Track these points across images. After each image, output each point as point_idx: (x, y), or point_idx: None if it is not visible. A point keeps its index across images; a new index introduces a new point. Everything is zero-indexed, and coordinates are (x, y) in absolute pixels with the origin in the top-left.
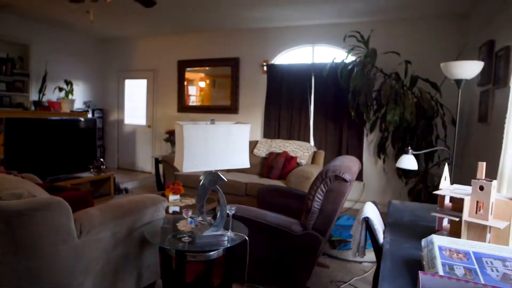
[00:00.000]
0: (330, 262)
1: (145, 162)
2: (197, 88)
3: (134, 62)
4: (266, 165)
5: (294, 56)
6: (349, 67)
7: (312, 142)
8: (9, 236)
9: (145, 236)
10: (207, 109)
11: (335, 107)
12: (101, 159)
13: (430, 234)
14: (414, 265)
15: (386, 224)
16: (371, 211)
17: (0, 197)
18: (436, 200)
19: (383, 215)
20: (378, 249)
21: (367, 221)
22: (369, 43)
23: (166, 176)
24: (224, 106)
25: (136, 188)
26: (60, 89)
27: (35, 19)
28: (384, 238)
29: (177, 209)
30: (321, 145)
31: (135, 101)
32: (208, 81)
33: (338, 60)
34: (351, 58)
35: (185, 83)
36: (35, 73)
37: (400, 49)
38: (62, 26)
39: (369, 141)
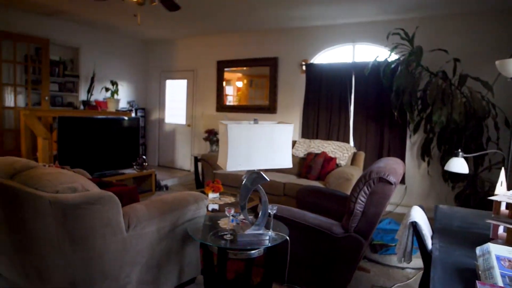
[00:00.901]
0: (371, 267)
1: (184, 160)
2: (234, 88)
3: (175, 62)
4: (305, 165)
5: (334, 55)
6: (393, 65)
7: (351, 143)
8: (65, 227)
9: (188, 233)
10: (244, 109)
11: (377, 107)
12: (144, 157)
13: (483, 242)
14: (468, 274)
15: (434, 229)
16: (418, 216)
17: (58, 191)
18: (488, 206)
19: (430, 220)
20: (426, 255)
21: (414, 226)
22: (414, 40)
23: (205, 174)
24: (261, 106)
25: (176, 185)
26: (107, 89)
27: (85, 23)
28: (432, 244)
29: (216, 207)
30: (361, 146)
31: (175, 101)
32: (245, 81)
33: (380, 58)
34: (394, 57)
35: (224, 83)
36: (84, 74)
37: (448, 46)
38: (109, 29)
39: (412, 142)
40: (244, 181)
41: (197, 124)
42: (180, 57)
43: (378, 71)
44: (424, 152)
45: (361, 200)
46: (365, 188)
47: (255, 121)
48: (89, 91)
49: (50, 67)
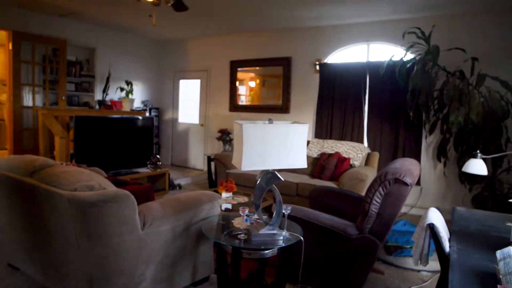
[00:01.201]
0: (386, 269)
1: (197, 160)
2: (246, 87)
3: (189, 62)
4: (318, 165)
5: (348, 54)
6: (408, 65)
7: (365, 143)
8: (83, 224)
9: (202, 231)
10: (257, 109)
11: (391, 107)
12: (157, 156)
13: (503, 246)
14: (487, 278)
15: (451, 232)
16: (435, 217)
17: (76, 189)
18: (508, 208)
19: (447, 222)
20: (444, 258)
21: (432, 228)
22: (430, 39)
23: (218, 173)
24: (274, 106)
25: (189, 184)
26: (121, 89)
27: (101, 24)
28: (450, 247)
29: (229, 206)
30: (375, 147)
31: (188, 101)
32: (258, 81)
33: (396, 58)
34: (410, 56)
35: (237, 83)
36: (100, 74)
37: (466, 45)
38: (124, 30)
39: (428, 143)
40: (258, 181)
41: (210, 123)
42: (194, 57)
43: (393, 70)
44: (440, 153)
45: (376, 201)
46: (380, 189)
47: (270, 120)
48: (105, 91)
49: (67, 68)
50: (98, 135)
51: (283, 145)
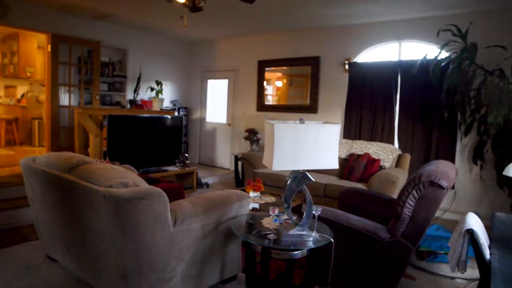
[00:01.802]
0: (417, 274)
1: (224, 159)
2: (273, 87)
3: (217, 62)
4: (347, 166)
5: (379, 53)
6: (443, 63)
7: (396, 145)
8: (117, 220)
9: (231, 230)
10: (285, 109)
11: (424, 107)
12: (186, 155)
13: None
14: None
15: (491, 238)
16: (474, 223)
17: (111, 185)
18: None
19: (486, 228)
20: (484, 266)
21: (471, 233)
22: (467, 36)
23: (245, 173)
24: (302, 106)
25: (216, 183)
26: (152, 89)
27: (133, 26)
28: (491, 254)
29: (256, 206)
30: (407, 148)
31: (216, 100)
32: (285, 81)
33: (429, 56)
34: (445, 54)
35: (264, 82)
36: (131, 74)
37: (506, 42)
38: (155, 31)
39: (463, 145)
40: (289, 181)
41: (237, 123)
42: (222, 57)
43: (426, 69)
44: (477, 155)
45: (409, 204)
46: (414, 192)
47: (301, 120)
48: (136, 90)
49: (101, 68)
50: (129, 134)
51: (314, 146)
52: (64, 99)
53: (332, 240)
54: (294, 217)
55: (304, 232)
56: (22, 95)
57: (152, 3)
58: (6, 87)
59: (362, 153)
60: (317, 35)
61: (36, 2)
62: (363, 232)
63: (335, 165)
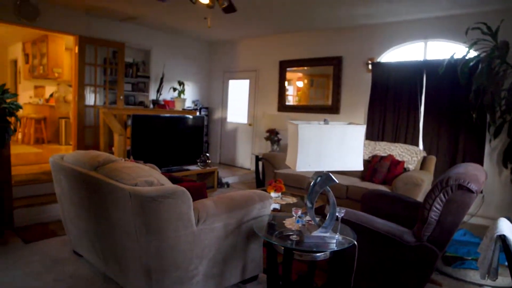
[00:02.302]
0: (443, 280)
1: (245, 159)
2: (294, 87)
3: (238, 63)
4: (369, 168)
5: (403, 53)
6: (472, 63)
7: (421, 146)
8: (142, 218)
9: (253, 230)
10: (306, 109)
11: (450, 108)
12: (207, 154)
13: None
14: None
15: None
16: (507, 228)
17: (136, 183)
18: None
19: None
20: None
21: (503, 239)
22: (498, 35)
23: (266, 173)
24: (323, 106)
25: (236, 183)
26: (174, 89)
27: (156, 27)
28: None
29: (277, 206)
30: (432, 150)
31: (237, 100)
32: (306, 81)
33: (457, 55)
34: (473, 53)
35: (286, 83)
36: (154, 75)
37: None
38: (178, 32)
39: (493, 147)
40: (312, 182)
41: (258, 123)
42: (243, 58)
43: (453, 69)
44: (507, 158)
45: (436, 207)
46: (442, 195)
47: (326, 121)
48: (158, 90)
49: (125, 69)
50: (152, 133)
51: (339, 146)
52: (90, 99)
53: (355, 243)
54: (317, 219)
55: (327, 234)
56: (51, 95)
57: (177, 5)
58: (36, 87)
59: (385, 154)
60: (340, 35)
61: (64, 5)
62: (388, 236)
63: (359, 166)
